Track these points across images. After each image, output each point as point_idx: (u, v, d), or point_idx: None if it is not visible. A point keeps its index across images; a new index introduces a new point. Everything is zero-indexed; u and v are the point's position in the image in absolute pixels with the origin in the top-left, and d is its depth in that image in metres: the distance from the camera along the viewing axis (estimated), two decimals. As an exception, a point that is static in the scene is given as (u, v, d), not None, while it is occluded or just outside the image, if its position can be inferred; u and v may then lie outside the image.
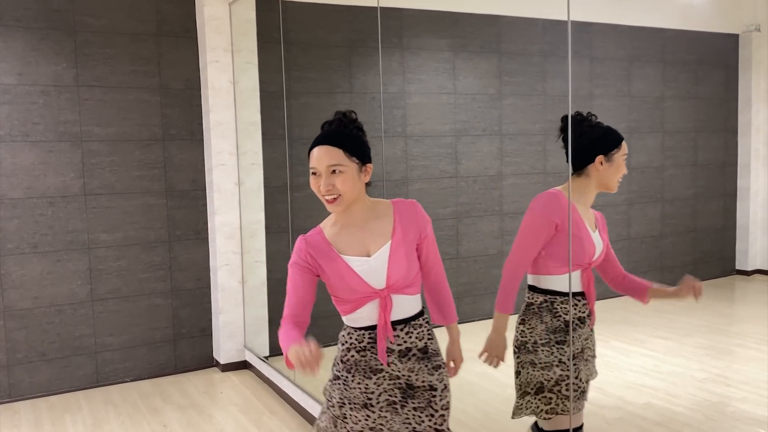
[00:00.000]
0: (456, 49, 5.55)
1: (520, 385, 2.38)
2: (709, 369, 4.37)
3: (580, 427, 2.39)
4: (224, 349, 4.72)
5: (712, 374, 4.28)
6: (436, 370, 1.94)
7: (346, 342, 1.96)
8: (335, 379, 1.99)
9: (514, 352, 2.38)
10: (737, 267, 7.32)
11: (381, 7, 4.97)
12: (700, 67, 6.89)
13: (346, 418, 1.95)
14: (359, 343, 1.92)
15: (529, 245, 2.25)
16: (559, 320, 2.27)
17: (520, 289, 2.34)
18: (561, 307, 2.28)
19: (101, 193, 4.45)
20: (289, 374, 4.15)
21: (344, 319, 1.98)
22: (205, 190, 4.74)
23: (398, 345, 1.90)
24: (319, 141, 1.85)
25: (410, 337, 1.91)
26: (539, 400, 2.31)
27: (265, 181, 4.75)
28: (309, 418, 3.76)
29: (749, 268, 7.21)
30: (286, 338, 1.88)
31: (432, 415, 1.91)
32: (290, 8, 4.84)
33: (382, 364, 1.89)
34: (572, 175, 2.33)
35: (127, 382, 4.58)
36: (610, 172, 2.29)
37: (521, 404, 2.37)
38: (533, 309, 2.32)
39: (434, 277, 2.04)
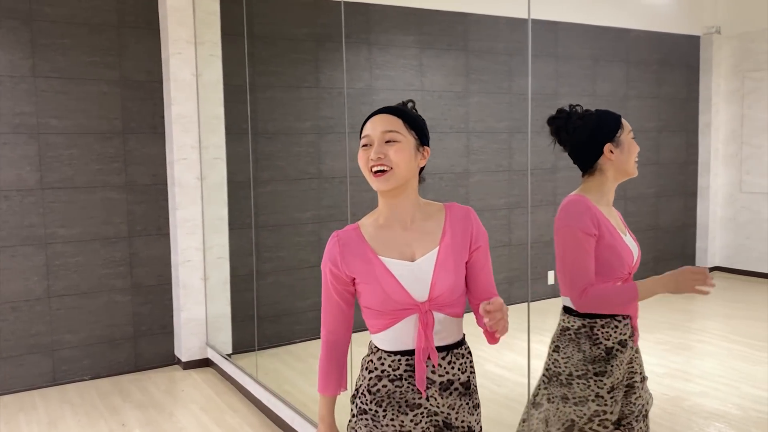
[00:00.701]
0: (423, 46, 5.55)
1: (545, 421, 2.02)
2: (669, 364, 4.45)
3: None
4: (186, 347, 4.65)
5: (671, 369, 4.36)
6: (476, 410, 1.66)
7: (377, 369, 1.61)
8: (361, 414, 1.63)
9: (543, 383, 2.05)
10: (697, 264, 7.47)
11: (346, 2, 4.95)
12: (662, 68, 7.01)
13: None
14: (394, 370, 1.59)
15: (580, 263, 1.92)
16: (599, 348, 1.96)
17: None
18: (602, 332, 1.96)
19: (59, 187, 4.34)
20: (251, 372, 4.10)
21: (374, 339, 1.65)
22: (167, 184, 4.65)
23: (440, 375, 1.59)
24: (376, 112, 1.62)
25: (453, 368, 1.60)
26: None
27: (229, 176, 4.68)
28: (271, 416, 3.72)
29: (709, 265, 7.37)
30: (322, 383, 1.71)
31: None
32: (255, 1, 4.78)
33: (420, 398, 1.59)
34: (584, 176, 2.07)
35: (85, 380, 4.48)
36: (624, 155, 2.02)
37: None
38: (569, 335, 1.99)
39: (487, 295, 1.64)
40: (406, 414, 1.59)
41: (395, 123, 1.57)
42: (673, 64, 7.10)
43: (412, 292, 1.55)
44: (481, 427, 1.69)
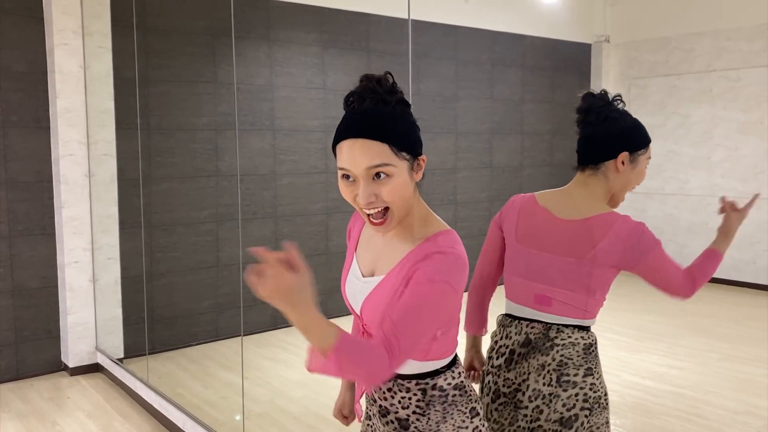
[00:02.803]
0: (325, 44, 5.54)
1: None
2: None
3: None
4: (73, 352, 4.43)
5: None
6: None
7: None
8: None
9: (582, 415, 1.70)
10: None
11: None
12: (556, 73, 7.34)
13: None
14: None
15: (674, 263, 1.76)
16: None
17: (571, 324, 1.77)
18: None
19: (-72, 184, 4.02)
20: (143, 376, 3.96)
21: None
22: (52, 181, 4.41)
23: (379, 398, 1.44)
24: (350, 131, 1.27)
25: (393, 398, 1.41)
26: None
27: (119, 174, 4.50)
28: (163, 421, 3.61)
29: (599, 262, 7.77)
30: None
31: None
32: (148, -8, 4.63)
33: (372, 407, 1.47)
34: (580, 171, 1.85)
35: (-41, 391, 4.18)
36: (632, 176, 1.79)
37: None
38: (594, 351, 1.76)
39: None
40: (369, 419, 1.51)
41: (381, 153, 1.25)
42: (566, 69, 7.45)
43: (353, 305, 1.44)
44: None
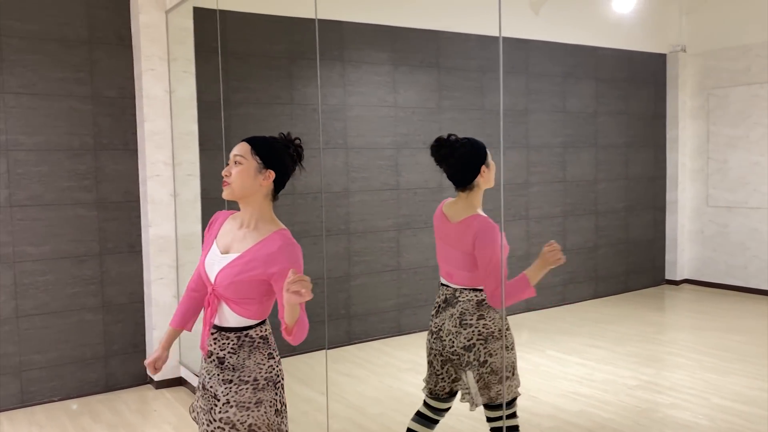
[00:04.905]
0: (396, 62, 5.60)
1: (491, 372, 2.55)
2: (640, 376, 4.52)
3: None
4: (158, 366, 4.58)
5: (642, 381, 4.42)
6: (225, 384, 1.97)
7: None
8: None
9: (480, 344, 2.55)
10: (666, 277, 7.61)
11: (320, 20, 4.98)
12: (630, 85, 7.17)
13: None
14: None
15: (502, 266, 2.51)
16: (502, 309, 2.61)
17: (467, 288, 2.62)
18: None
19: (28, 205, 4.27)
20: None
21: None
22: (139, 201, 4.61)
23: (209, 345, 2.04)
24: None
25: (215, 344, 2.01)
26: (515, 379, 2.61)
27: (203, 193, 4.65)
28: (245, 435, 3.68)
29: (678, 278, 7.51)
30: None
31: (210, 422, 2.00)
32: (228, 18, 4.79)
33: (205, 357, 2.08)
34: (462, 191, 2.61)
35: (54, 401, 4.38)
36: (491, 173, 2.61)
37: (498, 389, 2.57)
38: (486, 304, 2.58)
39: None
40: (205, 361, 2.07)
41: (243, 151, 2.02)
42: (640, 81, 7.26)
43: (209, 273, 2.02)
44: (228, 400, 1.96)
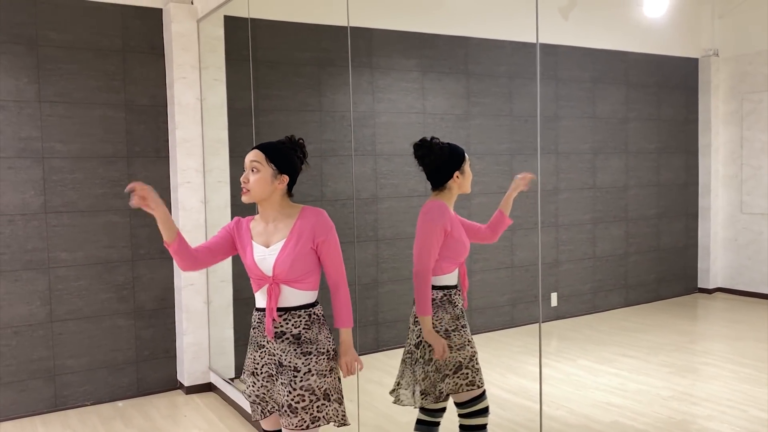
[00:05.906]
0: (425, 69, 5.59)
1: (436, 370, 2.67)
2: (674, 387, 4.43)
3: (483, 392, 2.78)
4: (188, 371, 4.62)
5: (677, 392, 4.33)
6: (305, 356, 2.22)
7: (252, 321, 2.36)
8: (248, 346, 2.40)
9: (422, 343, 2.68)
10: (699, 285, 7.47)
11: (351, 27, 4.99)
12: (661, 90, 7.06)
13: (245, 382, 2.40)
14: (254, 321, 2.34)
15: (430, 250, 2.62)
16: (457, 309, 2.71)
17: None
18: (456, 298, 2.72)
19: (63, 211, 4.34)
20: (255, 396, 4.07)
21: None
22: (170, 208, 4.66)
23: (276, 328, 2.24)
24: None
25: (287, 324, 2.24)
26: (458, 377, 2.67)
27: (232, 200, 4.69)
28: (275, 441, 3.68)
29: (711, 286, 7.36)
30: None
31: (290, 392, 2.20)
32: (258, 26, 4.83)
33: (266, 341, 2.27)
34: (435, 190, 2.73)
35: (87, 405, 4.44)
36: (465, 181, 2.73)
37: (441, 387, 2.66)
38: (436, 303, 2.68)
39: (331, 280, 2.33)
40: (257, 351, 2.31)
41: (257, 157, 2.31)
42: (672, 86, 7.16)
43: (263, 269, 2.24)
44: (309, 369, 2.22)
